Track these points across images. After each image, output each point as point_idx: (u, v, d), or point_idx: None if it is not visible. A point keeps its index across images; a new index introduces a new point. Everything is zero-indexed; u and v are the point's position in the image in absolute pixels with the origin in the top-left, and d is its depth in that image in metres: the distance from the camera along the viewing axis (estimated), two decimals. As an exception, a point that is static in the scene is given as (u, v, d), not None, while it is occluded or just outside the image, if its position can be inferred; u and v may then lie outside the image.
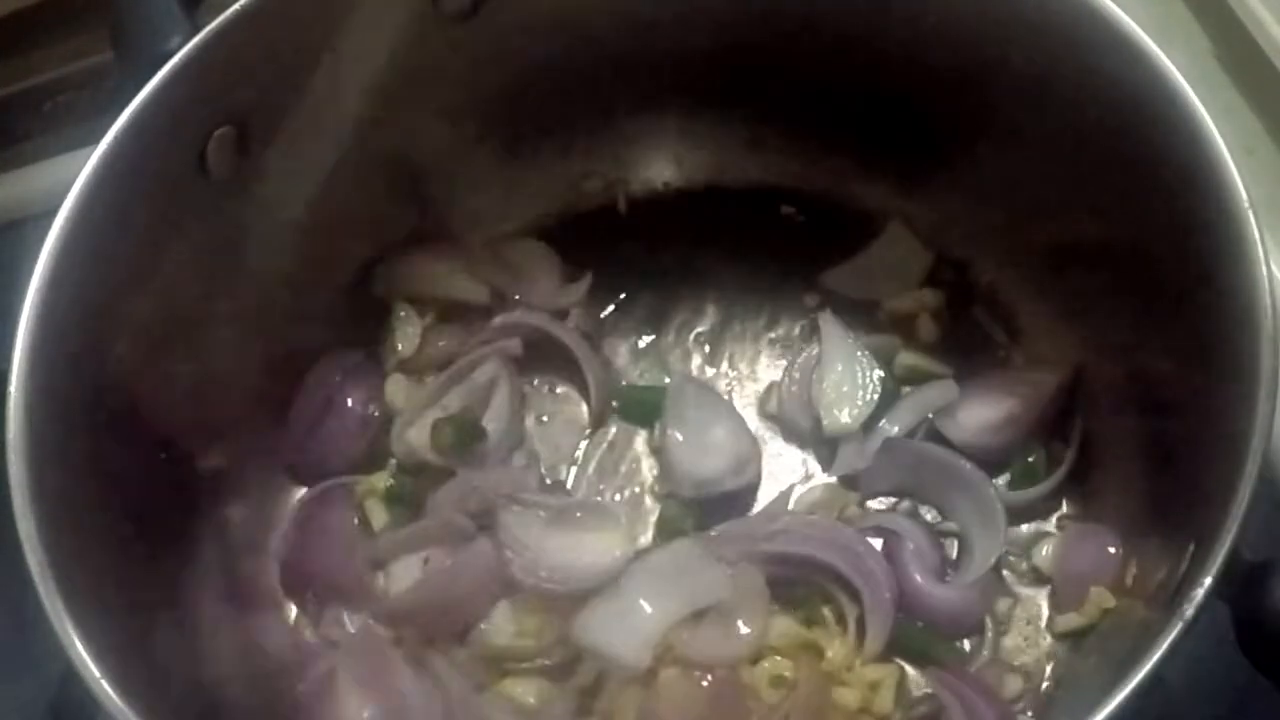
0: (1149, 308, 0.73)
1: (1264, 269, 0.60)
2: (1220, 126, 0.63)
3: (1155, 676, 0.54)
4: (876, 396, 0.84)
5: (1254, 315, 0.60)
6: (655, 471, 0.86)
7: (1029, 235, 0.84)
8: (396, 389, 0.88)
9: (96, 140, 0.69)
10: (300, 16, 0.73)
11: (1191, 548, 0.59)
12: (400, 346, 0.90)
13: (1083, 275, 0.80)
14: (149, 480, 0.74)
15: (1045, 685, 0.76)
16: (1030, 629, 0.79)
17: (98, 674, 0.59)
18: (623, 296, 0.93)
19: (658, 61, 0.86)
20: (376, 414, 0.87)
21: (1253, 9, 0.97)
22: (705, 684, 0.74)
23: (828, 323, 0.87)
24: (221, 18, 0.71)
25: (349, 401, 0.87)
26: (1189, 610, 0.55)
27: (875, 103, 0.84)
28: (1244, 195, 0.62)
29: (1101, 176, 0.73)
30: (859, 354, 0.85)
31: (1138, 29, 0.66)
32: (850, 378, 0.84)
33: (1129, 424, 0.76)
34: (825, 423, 0.83)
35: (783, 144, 0.91)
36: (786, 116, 0.89)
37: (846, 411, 0.84)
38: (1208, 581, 0.55)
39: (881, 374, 0.85)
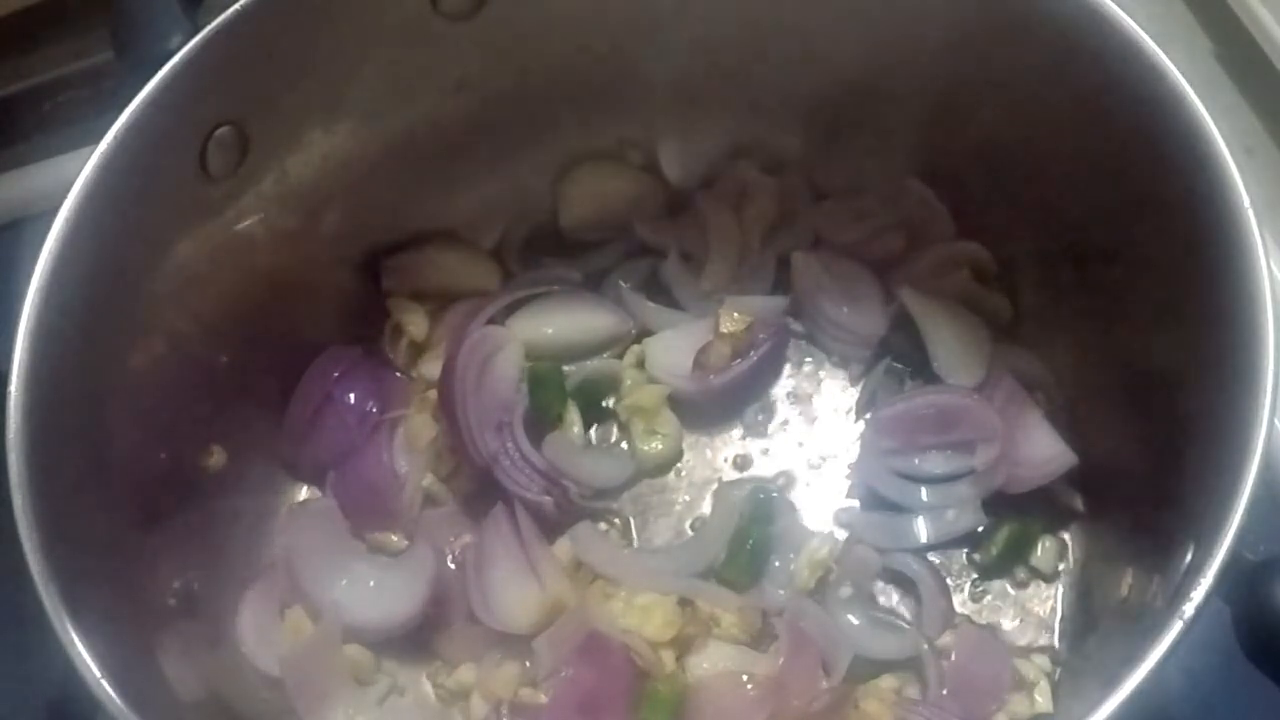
0: (1149, 307, 0.73)
1: (1264, 269, 0.60)
2: (1220, 126, 0.64)
3: (1155, 676, 0.54)
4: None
5: (1254, 315, 0.60)
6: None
7: (1025, 234, 0.84)
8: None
9: (96, 140, 0.69)
10: (300, 16, 0.74)
11: (1191, 548, 0.59)
12: (412, 332, 0.90)
13: (1081, 274, 0.80)
14: (149, 479, 0.74)
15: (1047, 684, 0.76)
16: (1031, 629, 0.79)
17: (98, 674, 0.59)
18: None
19: (654, 65, 0.86)
20: (374, 410, 0.87)
21: (1253, 9, 0.97)
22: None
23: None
24: (221, 18, 0.71)
25: (348, 398, 0.87)
26: (1189, 610, 0.55)
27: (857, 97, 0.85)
28: (1244, 195, 0.62)
29: (1100, 176, 0.73)
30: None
31: (1138, 29, 0.67)
32: None
33: (1129, 423, 0.76)
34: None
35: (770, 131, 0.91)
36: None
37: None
38: (1208, 581, 0.55)
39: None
